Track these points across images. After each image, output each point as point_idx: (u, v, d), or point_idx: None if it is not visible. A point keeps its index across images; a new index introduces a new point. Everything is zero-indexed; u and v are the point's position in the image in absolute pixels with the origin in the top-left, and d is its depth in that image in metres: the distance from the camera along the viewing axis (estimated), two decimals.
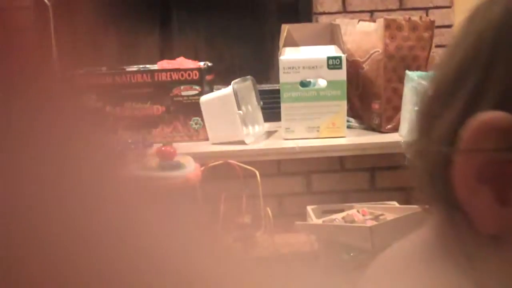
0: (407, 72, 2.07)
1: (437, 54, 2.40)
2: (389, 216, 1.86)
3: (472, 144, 0.44)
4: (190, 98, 2.16)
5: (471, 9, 0.50)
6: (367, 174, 2.14)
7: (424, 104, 0.51)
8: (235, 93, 2.07)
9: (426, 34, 2.21)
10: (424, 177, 0.49)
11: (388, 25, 2.17)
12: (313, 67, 2.12)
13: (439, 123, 0.47)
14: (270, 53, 2.69)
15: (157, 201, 0.26)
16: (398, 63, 2.18)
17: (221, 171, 2.04)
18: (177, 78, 2.16)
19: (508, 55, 0.44)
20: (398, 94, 2.15)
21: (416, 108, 1.91)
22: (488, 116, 0.43)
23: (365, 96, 2.26)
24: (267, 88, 2.52)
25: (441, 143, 0.47)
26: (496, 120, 0.43)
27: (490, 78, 0.44)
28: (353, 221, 1.85)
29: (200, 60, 2.33)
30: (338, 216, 1.90)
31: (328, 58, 2.11)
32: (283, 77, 2.12)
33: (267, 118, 2.33)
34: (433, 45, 2.23)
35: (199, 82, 2.16)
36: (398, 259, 0.52)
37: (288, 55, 2.16)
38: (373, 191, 2.14)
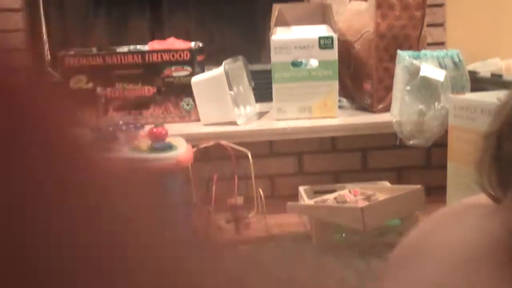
0: (399, 51, 2.07)
1: (428, 33, 2.40)
2: (381, 196, 1.87)
3: None
4: (181, 79, 2.15)
5: None
6: (359, 154, 2.14)
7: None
8: (227, 74, 2.06)
9: (417, 13, 2.20)
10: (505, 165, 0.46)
11: (379, 4, 2.16)
12: (304, 47, 2.11)
13: None
14: (261, 33, 2.67)
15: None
16: (389, 42, 2.18)
17: (213, 152, 2.04)
18: (168, 59, 2.15)
19: None
20: (389, 73, 2.15)
21: (407, 88, 1.89)
22: None
23: (356, 76, 2.25)
24: (258, 69, 2.51)
25: None
26: None
27: None
28: (344, 202, 1.85)
29: (191, 41, 2.32)
30: (330, 196, 1.90)
31: (320, 38, 2.10)
32: (275, 57, 2.11)
33: (258, 99, 2.32)
34: (425, 24, 2.23)
35: (190, 62, 2.15)
36: (464, 254, 0.47)
37: (279, 35, 2.15)
38: (365, 171, 2.14)
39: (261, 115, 2.24)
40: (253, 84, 2.27)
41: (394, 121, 2.02)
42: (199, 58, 2.20)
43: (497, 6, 2.66)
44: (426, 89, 1.99)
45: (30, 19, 2.53)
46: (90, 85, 2.15)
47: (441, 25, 2.60)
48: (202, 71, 2.20)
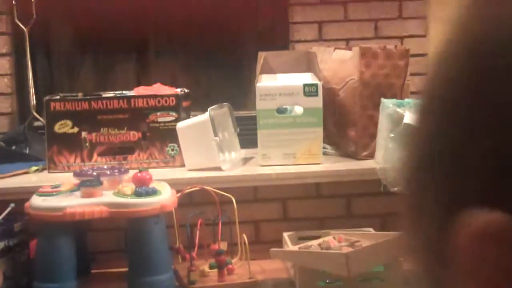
0: (383, 99, 2.09)
1: (412, 82, 2.43)
2: (365, 243, 1.87)
3: (474, 262, 0.35)
4: (167, 124, 2.16)
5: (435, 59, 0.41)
6: (343, 201, 2.14)
7: (409, 162, 0.41)
8: (212, 120, 2.08)
9: (401, 62, 2.24)
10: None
11: (363, 53, 2.19)
12: (289, 94, 2.13)
13: (426, 202, 0.39)
14: (247, 80, 2.70)
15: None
16: (373, 90, 2.20)
17: (197, 197, 2.04)
18: (153, 104, 2.16)
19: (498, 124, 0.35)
20: (373, 121, 2.17)
21: (391, 135, 1.90)
22: (481, 221, 0.34)
23: (341, 123, 2.27)
24: (243, 115, 2.53)
25: (432, 235, 0.38)
26: (494, 226, 0.34)
27: (469, 162, 0.35)
28: (329, 248, 1.85)
29: (177, 87, 2.34)
30: (314, 242, 1.90)
31: (305, 85, 2.13)
32: (260, 104, 2.13)
33: (243, 145, 2.33)
34: (408, 73, 2.26)
35: (176, 108, 2.16)
36: None
37: (264, 82, 2.17)
38: (349, 218, 2.14)
39: (246, 161, 2.25)
40: (238, 130, 2.28)
41: (378, 168, 2.03)
42: (185, 104, 2.22)
43: None
44: None
45: (17, 63, 2.55)
46: (75, 129, 2.16)
47: (424, 74, 2.64)
48: (188, 116, 2.21)
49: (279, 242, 2.03)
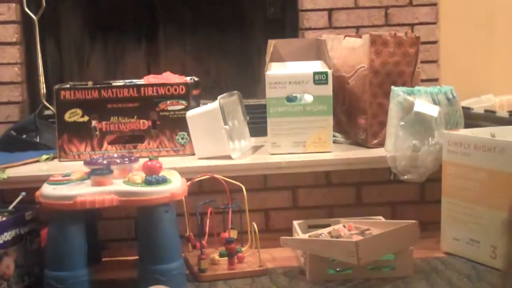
0: (393, 87, 2.09)
1: (422, 70, 2.42)
2: (375, 231, 1.87)
3: None
4: (177, 113, 2.16)
5: None
6: (353, 189, 2.14)
7: None
8: (221, 108, 2.07)
9: (411, 50, 2.23)
10: None
11: (373, 41, 2.18)
12: (299, 82, 2.12)
13: None
14: (256, 68, 2.70)
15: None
16: (383, 78, 2.20)
17: (207, 186, 2.04)
18: (163, 92, 2.16)
19: None
20: (383, 109, 2.16)
21: (401, 123, 1.91)
22: None
23: (351, 111, 2.27)
24: (253, 103, 2.53)
25: None
26: None
27: None
28: (339, 236, 1.85)
29: (186, 75, 2.34)
30: (324, 231, 1.90)
31: (314, 73, 2.12)
32: (270, 92, 2.13)
33: (253, 133, 2.33)
34: (419, 61, 2.25)
35: (186, 97, 2.16)
36: None
37: (274, 70, 2.17)
38: (359, 206, 2.14)
39: (255, 149, 2.25)
40: (248, 118, 2.28)
41: (388, 156, 2.02)
42: (195, 92, 2.21)
43: (491, 43, 2.69)
44: (420, 124, 2.00)
45: (27, 52, 2.55)
46: (85, 118, 2.16)
47: (435, 61, 2.63)
48: (197, 105, 2.21)
49: (289, 231, 2.03)
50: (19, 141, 2.30)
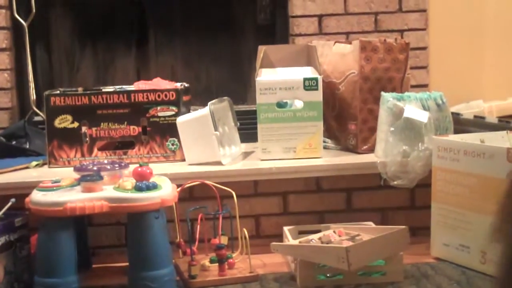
0: (383, 93, 2.09)
1: (412, 76, 2.43)
2: (365, 237, 1.87)
3: None
4: (167, 118, 2.16)
5: None
6: (344, 195, 2.14)
7: None
8: (212, 114, 2.08)
9: (401, 56, 2.23)
10: None
11: (363, 47, 2.19)
12: (289, 88, 2.13)
13: None
14: (247, 74, 2.70)
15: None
16: (373, 84, 2.20)
17: (198, 192, 2.04)
18: (153, 98, 2.16)
19: None
20: (373, 115, 2.17)
21: (391, 129, 1.91)
22: None
23: (341, 117, 2.27)
24: (244, 109, 2.53)
25: None
26: None
27: None
28: (329, 242, 1.85)
29: (177, 81, 2.34)
30: (315, 236, 1.90)
31: (305, 79, 2.12)
32: (260, 98, 2.13)
33: (244, 139, 2.33)
34: (408, 66, 2.26)
35: (176, 103, 2.16)
36: None
37: (264, 76, 2.17)
38: (349, 212, 2.14)
39: (246, 155, 2.25)
40: (238, 124, 2.28)
41: (378, 161, 2.03)
42: (185, 98, 2.21)
43: (479, 49, 2.70)
44: (410, 130, 2.01)
45: (17, 58, 2.54)
46: (75, 124, 2.16)
47: (424, 67, 2.64)
48: (188, 111, 2.21)
49: (280, 236, 2.03)
50: (9, 147, 2.29)
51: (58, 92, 2.22)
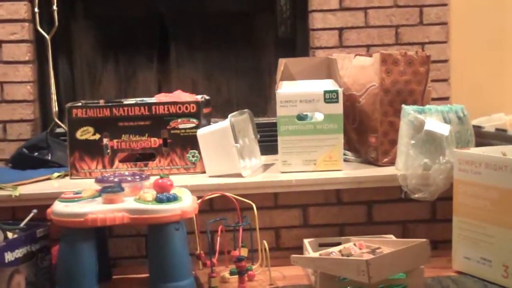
0: (403, 106, 2.09)
1: (433, 88, 2.42)
2: (386, 250, 1.86)
3: None
4: (187, 131, 2.17)
5: None
6: (364, 207, 2.14)
7: None
8: (232, 126, 2.08)
9: (422, 69, 2.23)
10: None
11: (384, 60, 2.19)
12: (310, 101, 2.13)
13: None
14: (267, 86, 2.71)
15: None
16: (394, 97, 2.20)
17: (218, 204, 2.04)
18: (174, 111, 2.17)
19: None
20: (394, 127, 2.16)
21: (412, 142, 1.91)
22: None
23: (361, 129, 2.27)
24: (264, 121, 2.54)
25: None
26: None
27: None
28: (349, 254, 1.84)
29: (197, 93, 2.35)
30: (335, 249, 1.89)
31: (325, 92, 2.12)
32: (280, 111, 2.13)
33: (264, 151, 2.34)
34: (429, 79, 2.25)
35: (197, 115, 2.17)
36: None
37: (285, 88, 2.17)
38: (370, 224, 2.13)
39: (266, 167, 2.25)
40: (258, 136, 2.28)
41: (399, 174, 2.02)
42: (205, 110, 2.22)
43: (501, 62, 2.69)
44: (431, 143, 2.00)
45: (39, 71, 2.57)
46: (97, 136, 2.17)
47: (445, 80, 2.63)
48: (208, 123, 2.22)
49: (300, 249, 2.03)
50: (31, 159, 2.31)
51: (80, 104, 2.24)
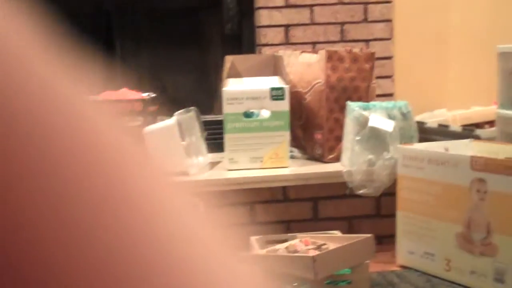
0: (348, 102, 2.11)
1: (377, 85, 2.45)
2: (332, 246, 1.88)
3: None
4: (133, 129, 2.15)
5: None
6: (310, 204, 2.15)
7: None
8: (179, 124, 2.07)
9: (366, 66, 2.25)
10: None
11: (329, 57, 2.21)
12: (256, 98, 2.13)
13: None
14: (213, 84, 2.70)
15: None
16: (339, 94, 2.22)
17: None
18: (120, 109, 2.15)
19: None
20: (339, 124, 2.18)
21: (357, 138, 1.92)
22: None
23: (307, 126, 2.28)
24: (210, 119, 2.53)
25: None
26: None
27: None
28: (296, 251, 1.86)
29: (143, 91, 2.33)
30: (281, 246, 1.90)
31: (271, 89, 2.13)
32: (227, 108, 2.13)
33: (210, 149, 2.33)
34: (374, 76, 2.28)
35: (142, 113, 2.16)
36: None
37: (231, 86, 2.17)
38: (316, 221, 2.15)
39: (213, 165, 2.25)
40: (205, 134, 2.28)
41: (344, 170, 2.04)
42: (151, 108, 2.21)
43: (444, 59, 2.74)
44: (375, 139, 2.03)
45: None
46: None
47: (389, 77, 2.67)
48: (155, 121, 2.21)
49: (247, 246, 2.03)
50: None
51: None
